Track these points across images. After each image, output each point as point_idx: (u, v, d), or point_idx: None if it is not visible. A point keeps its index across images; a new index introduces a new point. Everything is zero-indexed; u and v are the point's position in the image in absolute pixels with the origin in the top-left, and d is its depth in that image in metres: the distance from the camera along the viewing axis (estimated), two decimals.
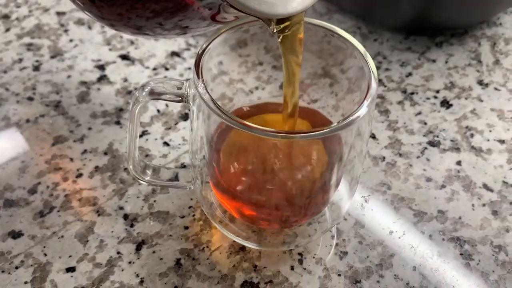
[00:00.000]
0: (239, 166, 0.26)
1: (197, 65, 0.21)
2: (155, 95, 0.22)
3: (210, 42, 0.22)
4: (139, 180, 0.26)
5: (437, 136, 0.34)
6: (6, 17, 0.41)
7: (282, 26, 0.22)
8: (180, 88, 0.22)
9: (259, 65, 0.40)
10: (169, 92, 0.22)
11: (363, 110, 0.21)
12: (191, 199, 0.29)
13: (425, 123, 0.34)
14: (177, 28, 0.21)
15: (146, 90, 0.22)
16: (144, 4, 0.19)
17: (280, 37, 0.22)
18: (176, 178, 0.27)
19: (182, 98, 0.22)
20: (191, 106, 0.22)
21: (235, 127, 0.20)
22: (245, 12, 0.18)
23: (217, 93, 0.30)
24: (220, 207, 0.28)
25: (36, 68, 0.37)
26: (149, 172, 0.26)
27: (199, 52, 0.22)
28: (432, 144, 0.33)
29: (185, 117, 0.34)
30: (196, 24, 0.21)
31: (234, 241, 0.27)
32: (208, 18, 0.20)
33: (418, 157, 0.32)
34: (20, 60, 0.37)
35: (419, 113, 0.35)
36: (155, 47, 0.39)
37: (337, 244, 0.28)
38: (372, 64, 0.22)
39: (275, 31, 0.22)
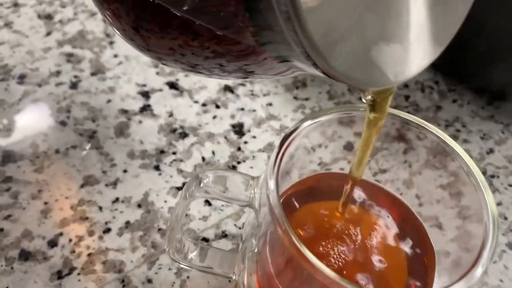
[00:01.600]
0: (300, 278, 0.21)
1: (273, 166, 0.17)
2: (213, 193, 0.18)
3: (290, 142, 0.18)
4: (174, 266, 0.23)
5: None
6: (49, 17, 0.37)
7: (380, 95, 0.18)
8: (245, 189, 0.18)
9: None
10: (230, 197, 0.18)
11: (476, 275, 0.16)
12: (229, 281, 0.26)
13: (505, 218, 0.30)
14: (240, 71, 0.17)
15: (203, 184, 0.18)
16: (203, 43, 0.15)
17: (370, 105, 0.18)
18: (216, 265, 0.23)
19: (246, 204, 0.18)
20: (256, 209, 0.18)
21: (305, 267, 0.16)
22: (341, 81, 0.14)
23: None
24: None
25: (74, 86, 0.33)
26: (190, 255, 0.23)
27: (279, 147, 0.18)
28: None
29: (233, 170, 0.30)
30: (264, 71, 0.17)
31: None
32: (279, 69, 0.16)
33: (494, 262, 0.28)
34: (58, 73, 0.34)
35: (499, 204, 0.30)
36: (207, 78, 0.34)
37: None
38: (494, 209, 0.18)
39: (371, 99, 0.18)
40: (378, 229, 0.23)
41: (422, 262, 0.22)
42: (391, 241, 0.22)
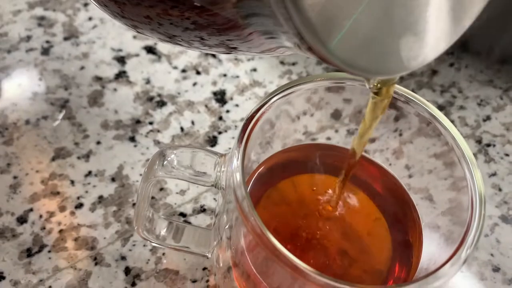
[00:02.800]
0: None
1: (238, 151, 0.15)
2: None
3: (261, 115, 0.16)
4: (149, 242, 0.22)
5: None
6: None
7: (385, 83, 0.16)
8: (212, 168, 0.17)
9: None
10: (196, 177, 0.16)
11: (460, 259, 0.15)
12: (208, 257, 0.24)
13: (500, 189, 0.28)
14: (222, 46, 0.15)
15: (166, 163, 0.17)
16: (183, 12, 0.13)
17: (375, 92, 0.16)
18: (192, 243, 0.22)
19: (212, 184, 0.17)
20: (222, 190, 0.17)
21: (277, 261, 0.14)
22: (341, 69, 0.12)
23: None
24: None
25: (45, 52, 0.31)
26: (163, 233, 0.21)
27: (246, 134, 0.16)
28: (505, 220, 0.27)
29: (212, 141, 0.28)
30: (248, 48, 0.15)
31: None
32: (266, 47, 0.14)
33: (486, 235, 0.27)
34: (28, 38, 0.32)
35: (494, 174, 0.29)
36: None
37: None
38: (481, 186, 0.16)
39: (378, 86, 0.16)
40: (359, 205, 0.21)
41: (407, 241, 0.21)
42: (373, 218, 0.21)
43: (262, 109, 0.17)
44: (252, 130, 0.16)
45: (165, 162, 0.17)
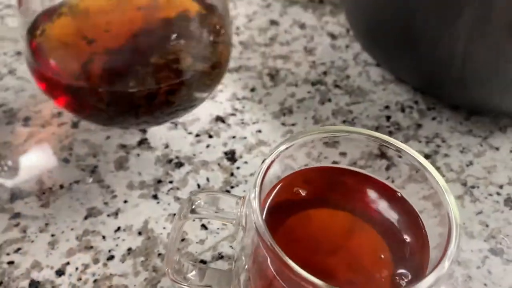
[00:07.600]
0: None
1: (254, 187, 0.19)
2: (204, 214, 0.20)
3: (271, 164, 0.20)
4: (178, 284, 0.24)
5: (500, 243, 0.31)
6: None
7: None
8: (234, 208, 0.20)
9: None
10: (221, 216, 0.20)
11: (440, 271, 0.18)
12: None
13: (487, 225, 0.31)
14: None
15: (195, 206, 0.20)
16: None
17: None
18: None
19: (238, 222, 0.20)
20: (243, 225, 0.20)
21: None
22: None
23: None
24: None
25: (75, 125, 0.35)
26: (189, 275, 0.24)
27: (260, 173, 0.19)
28: (494, 252, 0.30)
29: None
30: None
31: None
32: None
33: (478, 267, 0.29)
34: (59, 114, 0.36)
35: (480, 212, 0.32)
36: (199, 109, 0.37)
37: None
38: (455, 208, 0.20)
39: None
40: (368, 241, 0.24)
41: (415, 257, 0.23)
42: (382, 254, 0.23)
43: (272, 157, 0.20)
44: (266, 173, 0.20)
45: (193, 206, 0.20)
